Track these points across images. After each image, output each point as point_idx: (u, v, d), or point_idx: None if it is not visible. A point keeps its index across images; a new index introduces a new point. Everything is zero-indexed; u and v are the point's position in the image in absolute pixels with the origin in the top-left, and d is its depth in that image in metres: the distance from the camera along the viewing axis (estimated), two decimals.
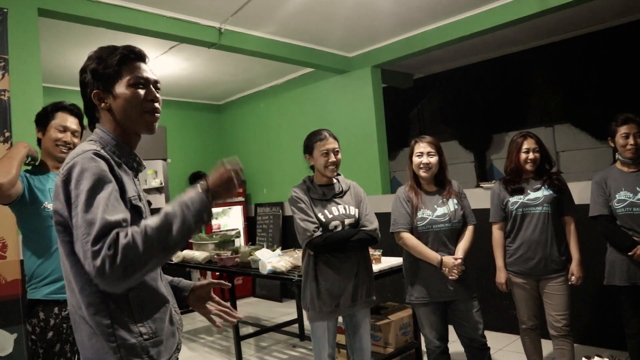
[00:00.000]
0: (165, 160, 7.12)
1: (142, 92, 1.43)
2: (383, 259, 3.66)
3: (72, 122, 2.45)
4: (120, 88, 1.40)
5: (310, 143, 2.83)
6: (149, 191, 8.14)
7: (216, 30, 4.51)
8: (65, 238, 1.30)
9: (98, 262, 1.13)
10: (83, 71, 1.45)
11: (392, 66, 6.28)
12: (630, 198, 2.95)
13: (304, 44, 5.33)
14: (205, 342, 5.02)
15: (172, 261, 5.19)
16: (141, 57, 1.48)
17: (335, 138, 2.82)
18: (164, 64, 5.57)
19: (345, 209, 2.79)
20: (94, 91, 1.41)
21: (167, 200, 7.22)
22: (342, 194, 2.84)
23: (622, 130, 2.98)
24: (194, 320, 6.02)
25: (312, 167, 2.88)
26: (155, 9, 4.10)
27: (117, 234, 1.16)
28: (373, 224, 2.82)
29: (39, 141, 2.47)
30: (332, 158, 2.76)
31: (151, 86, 1.46)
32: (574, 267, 2.98)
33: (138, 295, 1.35)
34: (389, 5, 4.44)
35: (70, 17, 3.76)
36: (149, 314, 1.37)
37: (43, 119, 2.43)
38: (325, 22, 4.75)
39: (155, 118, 1.47)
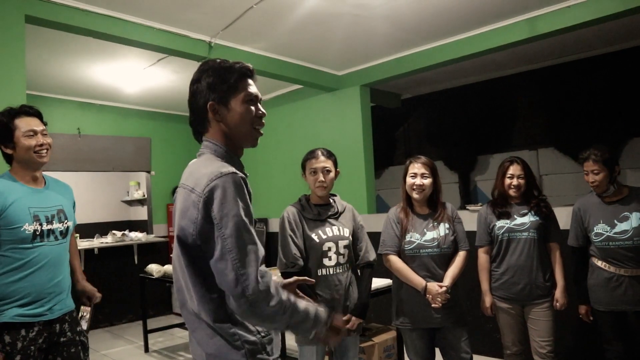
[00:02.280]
0: (148, 172, 7.05)
1: (253, 108, 1.53)
2: None
3: (36, 124, 2.28)
4: (236, 103, 1.50)
5: (303, 162, 2.80)
6: (131, 203, 8.05)
7: (206, 44, 4.49)
8: (186, 252, 1.42)
9: (250, 291, 1.31)
10: (197, 81, 1.51)
11: (381, 86, 6.32)
12: (607, 232, 2.94)
13: (294, 61, 5.33)
14: (185, 359, 4.92)
15: (152, 276, 5.11)
16: (252, 74, 1.56)
17: (329, 157, 2.77)
18: (152, 76, 5.52)
19: (339, 230, 2.74)
20: (210, 102, 1.48)
21: (150, 212, 7.12)
22: (337, 215, 2.79)
23: (584, 167, 3.00)
24: (173, 336, 5.90)
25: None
26: (145, 20, 4.06)
27: (275, 289, 1.35)
28: (372, 255, 2.83)
29: (8, 157, 2.29)
30: (320, 177, 2.70)
31: (259, 103, 1.56)
32: (558, 293, 2.98)
33: None
34: (382, 26, 4.46)
35: (59, 26, 3.70)
36: None
37: (4, 133, 2.24)
38: (316, 40, 4.77)
39: (261, 134, 1.57)
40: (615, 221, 2.93)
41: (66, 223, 2.36)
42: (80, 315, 2.39)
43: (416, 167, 2.88)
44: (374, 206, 5.88)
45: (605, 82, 5.91)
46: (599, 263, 2.99)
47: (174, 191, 7.34)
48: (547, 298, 2.99)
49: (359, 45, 4.97)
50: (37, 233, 2.21)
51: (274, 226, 4.98)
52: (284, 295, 1.38)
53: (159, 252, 6.81)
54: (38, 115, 2.33)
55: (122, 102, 6.65)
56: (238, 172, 1.40)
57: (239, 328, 1.43)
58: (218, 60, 1.54)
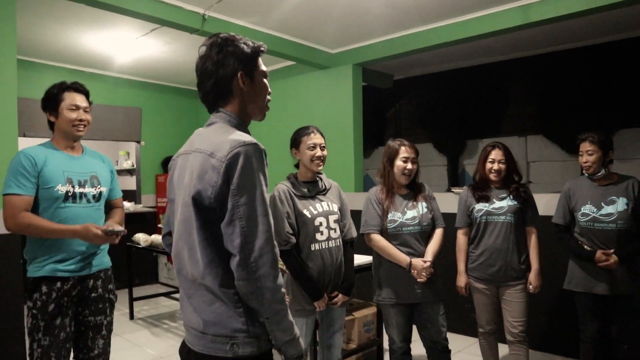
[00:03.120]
0: (138, 142, 7.05)
1: (268, 84, 1.63)
2: None
3: (81, 100, 2.51)
4: (258, 76, 1.59)
5: (297, 137, 2.83)
6: (120, 172, 8.04)
7: (200, 16, 4.46)
8: (200, 214, 1.43)
9: (251, 259, 1.36)
10: (219, 52, 1.53)
11: (373, 65, 6.32)
12: (593, 213, 3.04)
13: (288, 37, 5.32)
14: (169, 328, 5.00)
15: (139, 245, 5.16)
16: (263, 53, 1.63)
17: (322, 135, 2.83)
18: (144, 45, 5.49)
19: (328, 205, 2.80)
20: (240, 72, 1.53)
21: (138, 183, 7.14)
22: (325, 191, 2.85)
23: (580, 149, 3.11)
24: (158, 305, 5.99)
25: (297, 165, 2.87)
26: None
27: (277, 274, 1.40)
28: (354, 232, 2.93)
29: (51, 124, 2.53)
30: (319, 152, 2.76)
31: None
32: (532, 276, 3.07)
33: None
34: (378, 6, 4.46)
35: None
36: None
37: (52, 102, 2.47)
38: (311, 17, 4.75)
39: (269, 109, 1.66)
40: (603, 204, 3.03)
41: (99, 188, 2.55)
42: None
43: (407, 151, 2.94)
44: (362, 185, 5.95)
45: (596, 72, 5.96)
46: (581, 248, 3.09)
47: (163, 162, 7.37)
48: (522, 280, 3.09)
49: (353, 24, 4.97)
50: (69, 194, 2.42)
51: None
52: (284, 289, 1.43)
53: (146, 222, 6.84)
54: (85, 93, 2.56)
55: (114, 71, 6.61)
56: (258, 143, 1.44)
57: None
58: (232, 34, 1.57)
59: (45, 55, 5.86)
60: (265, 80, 1.62)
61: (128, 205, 6.62)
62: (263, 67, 1.61)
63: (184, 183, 1.52)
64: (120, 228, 2.47)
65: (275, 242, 1.43)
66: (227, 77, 1.53)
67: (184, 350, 1.56)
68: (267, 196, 1.48)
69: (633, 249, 2.99)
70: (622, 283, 2.98)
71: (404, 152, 2.94)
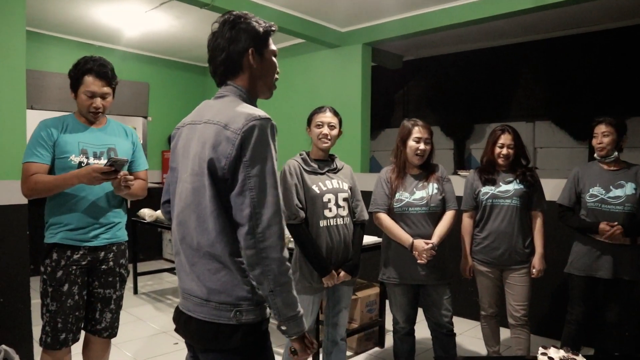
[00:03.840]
0: (145, 117, 7.04)
1: (276, 62, 1.67)
2: None
3: (99, 86, 2.47)
4: (268, 54, 1.63)
5: (310, 115, 2.83)
6: None
7: None
8: (214, 184, 1.45)
9: (259, 230, 1.40)
10: (232, 28, 1.56)
11: (383, 45, 6.25)
12: (601, 195, 3.06)
13: (297, 13, 5.26)
14: (172, 303, 5.05)
15: (145, 220, 5.19)
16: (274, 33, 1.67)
17: (336, 114, 2.81)
18: (153, 20, 5.44)
19: (338, 183, 2.79)
20: (251, 48, 1.57)
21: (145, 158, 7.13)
22: (336, 170, 2.85)
23: (595, 131, 3.11)
24: (162, 280, 6.04)
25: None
26: None
27: (284, 246, 1.43)
28: (366, 215, 2.91)
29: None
30: (325, 130, 2.74)
31: None
32: (536, 260, 3.08)
33: None
34: None
35: None
36: None
37: (73, 83, 2.49)
38: None
39: (276, 87, 1.70)
40: (611, 187, 3.05)
41: None
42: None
43: (421, 132, 2.90)
44: (368, 166, 5.93)
45: (607, 59, 5.88)
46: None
47: (169, 138, 7.34)
48: (525, 264, 3.09)
49: (365, 2, 4.90)
50: (83, 165, 2.42)
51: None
52: (289, 264, 1.45)
53: (152, 197, 6.84)
54: (106, 77, 2.48)
55: (122, 45, 6.57)
56: (272, 119, 1.48)
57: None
58: (245, 13, 1.61)
59: (53, 27, 5.82)
60: (274, 58, 1.65)
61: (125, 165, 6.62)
62: (273, 47, 1.65)
63: (191, 152, 1.53)
64: (123, 158, 2.44)
65: (283, 215, 1.46)
66: (238, 52, 1.56)
67: (182, 318, 1.58)
68: (278, 171, 1.49)
69: (637, 223, 2.99)
70: (627, 268, 2.99)
71: (417, 132, 2.91)
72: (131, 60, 6.86)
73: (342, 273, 2.76)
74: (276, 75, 1.67)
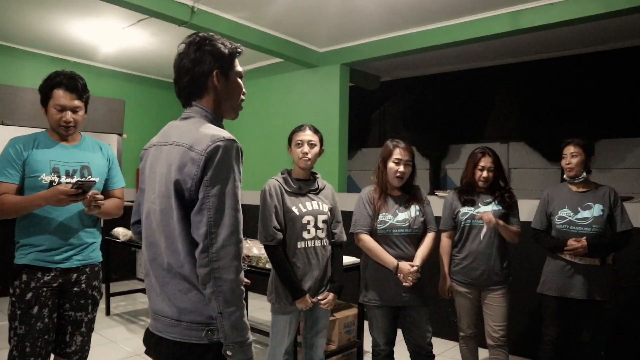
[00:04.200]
0: (120, 135, 6.92)
1: (242, 84, 1.68)
2: None
3: (69, 99, 2.40)
4: (233, 75, 1.63)
5: (291, 134, 2.82)
6: None
7: (189, 8, 4.40)
8: (181, 205, 1.46)
9: (214, 250, 1.39)
10: (197, 49, 1.57)
11: (361, 66, 6.32)
12: (570, 216, 3.10)
13: (276, 33, 5.28)
14: (146, 324, 4.92)
15: (118, 239, 5.08)
16: (240, 55, 1.68)
17: (316, 133, 2.81)
18: (130, 37, 5.40)
19: (319, 205, 2.78)
20: (216, 70, 1.57)
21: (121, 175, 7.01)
22: (317, 190, 2.83)
23: (564, 152, 3.18)
24: (135, 301, 5.90)
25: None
26: None
27: (238, 268, 1.42)
28: (344, 237, 2.90)
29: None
30: (305, 149, 2.73)
31: None
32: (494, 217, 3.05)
33: None
34: (368, 6, 4.45)
35: None
36: None
37: (44, 98, 2.42)
38: (300, 15, 4.73)
39: (242, 108, 1.71)
40: (579, 208, 3.09)
41: (89, 179, 2.44)
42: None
43: (402, 154, 2.90)
44: (345, 186, 5.94)
45: (579, 82, 6.05)
46: (557, 252, 3.13)
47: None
48: (503, 285, 3.11)
49: (343, 23, 4.95)
50: (54, 184, 2.34)
51: (247, 198, 4.97)
52: (242, 289, 1.44)
53: (126, 216, 6.71)
54: (76, 90, 2.41)
55: (98, 61, 6.50)
56: (237, 140, 1.49)
57: None
58: (211, 34, 1.61)
59: (26, 42, 5.73)
60: (240, 80, 1.66)
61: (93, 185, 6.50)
62: (239, 68, 1.66)
63: (157, 174, 1.55)
64: (91, 180, 2.36)
65: (241, 237, 1.45)
66: (203, 74, 1.57)
67: (152, 339, 1.58)
68: (241, 192, 1.49)
69: (603, 242, 3.04)
70: (597, 288, 3.03)
71: (397, 153, 2.91)
72: (107, 76, 6.78)
73: (331, 295, 2.75)
74: (242, 97, 1.68)
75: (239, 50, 1.65)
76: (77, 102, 2.42)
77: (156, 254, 1.54)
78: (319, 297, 2.73)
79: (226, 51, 1.59)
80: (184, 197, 1.46)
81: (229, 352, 1.42)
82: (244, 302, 1.45)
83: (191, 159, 1.44)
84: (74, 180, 2.32)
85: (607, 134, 6.04)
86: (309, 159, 2.76)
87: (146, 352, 1.63)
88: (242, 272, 1.45)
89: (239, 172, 1.48)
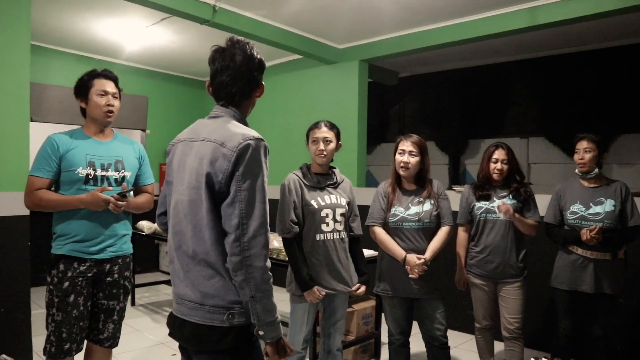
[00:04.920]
0: (144, 130, 7.08)
1: None
2: None
3: (110, 86, 2.58)
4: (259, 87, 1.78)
5: (308, 131, 2.91)
6: None
7: (210, 7, 4.50)
8: (210, 196, 1.57)
9: (245, 239, 1.51)
10: (251, 60, 1.69)
11: (379, 62, 6.36)
12: (582, 212, 3.13)
13: (296, 30, 5.36)
14: None
15: (143, 232, 5.22)
16: None
17: (332, 128, 2.87)
18: (153, 35, 5.53)
19: (337, 198, 2.86)
20: (262, 84, 1.76)
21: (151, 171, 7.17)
22: (335, 184, 2.91)
23: (577, 147, 3.20)
24: (159, 292, 6.06)
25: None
26: None
27: (267, 257, 1.54)
28: (361, 230, 3.00)
29: (83, 110, 2.62)
30: (321, 146, 2.81)
31: None
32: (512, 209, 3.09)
33: None
34: (388, 3, 4.49)
35: None
36: None
37: (83, 89, 2.56)
38: (320, 12, 4.79)
39: None
40: (591, 204, 3.12)
41: (122, 172, 2.63)
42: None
43: (405, 145, 2.96)
44: (364, 181, 6.00)
45: (599, 77, 6.00)
46: (568, 245, 3.16)
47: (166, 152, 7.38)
48: (519, 278, 3.15)
49: (362, 20, 5.00)
50: (90, 177, 2.50)
51: (268, 193, 5.05)
52: (270, 273, 1.56)
53: (150, 210, 6.89)
54: (114, 79, 2.63)
55: (122, 59, 6.64)
56: (264, 140, 1.61)
57: None
58: (254, 49, 1.73)
59: (54, 41, 5.90)
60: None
61: (132, 193, 6.66)
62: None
63: (187, 167, 1.65)
64: (127, 190, 2.55)
65: (268, 228, 1.57)
66: (253, 85, 1.73)
67: (176, 322, 1.69)
68: (267, 187, 1.61)
69: (614, 236, 3.06)
70: (608, 282, 3.05)
71: (402, 145, 2.98)
72: (130, 73, 6.93)
73: (363, 287, 2.91)
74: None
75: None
76: (116, 90, 2.61)
77: (182, 241, 1.64)
78: (353, 289, 2.87)
79: (264, 64, 1.74)
80: (214, 189, 1.56)
81: (261, 332, 1.56)
82: (271, 285, 1.56)
83: (223, 154, 1.55)
84: (120, 190, 2.51)
85: (628, 129, 5.99)
86: (325, 156, 2.84)
87: (170, 334, 1.75)
88: (268, 262, 1.56)
89: (266, 168, 1.60)
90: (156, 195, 7.06)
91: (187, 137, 1.73)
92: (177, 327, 1.68)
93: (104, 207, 2.43)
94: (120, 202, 2.47)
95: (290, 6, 4.64)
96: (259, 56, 1.72)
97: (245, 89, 1.70)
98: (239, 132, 1.59)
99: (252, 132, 1.60)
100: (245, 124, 1.72)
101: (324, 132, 2.85)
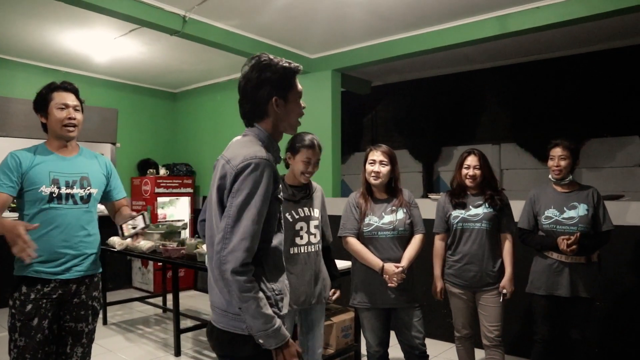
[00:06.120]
0: (114, 144, 6.93)
1: (302, 103, 1.80)
2: None
3: (70, 99, 2.47)
4: (292, 96, 1.74)
5: (296, 145, 2.79)
6: None
7: (180, 18, 4.44)
8: (221, 210, 1.63)
9: (224, 254, 1.54)
10: (259, 76, 1.68)
11: (352, 71, 6.37)
12: (556, 216, 3.16)
13: (267, 41, 5.33)
14: (143, 334, 4.93)
15: (114, 249, 5.08)
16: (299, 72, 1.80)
17: (320, 149, 2.85)
18: (122, 46, 5.42)
19: (310, 211, 2.83)
20: (275, 97, 1.69)
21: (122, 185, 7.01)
22: (309, 196, 2.88)
23: (552, 153, 3.22)
24: (132, 310, 5.90)
25: (287, 165, 2.86)
26: None
27: (253, 282, 1.56)
28: (330, 238, 3.00)
29: (44, 125, 2.50)
30: (310, 169, 2.80)
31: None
32: (505, 281, 3.13)
33: (271, 263, 1.70)
34: (359, 13, 4.50)
35: None
36: (276, 278, 1.71)
37: (42, 103, 2.45)
38: (291, 22, 4.77)
39: (300, 124, 1.83)
40: (565, 208, 3.15)
41: (88, 190, 2.51)
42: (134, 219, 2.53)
43: (375, 155, 2.98)
44: (339, 190, 5.98)
45: (568, 83, 6.11)
46: (544, 250, 3.18)
47: (139, 164, 7.28)
48: (496, 285, 3.14)
49: (334, 30, 5.00)
50: (54, 195, 2.38)
51: None
52: (250, 286, 1.55)
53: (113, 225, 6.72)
54: (74, 91, 2.51)
55: (90, 71, 6.51)
56: (271, 159, 1.64)
57: (257, 282, 1.60)
58: (273, 57, 1.71)
59: (18, 53, 5.74)
60: (299, 100, 1.78)
61: (102, 208, 6.50)
62: (299, 87, 1.77)
63: (214, 183, 1.73)
64: (136, 229, 2.53)
65: (253, 246, 1.57)
66: (263, 101, 1.70)
67: (209, 328, 1.77)
68: (265, 206, 1.61)
69: (590, 241, 3.09)
70: (583, 285, 3.07)
71: (372, 155, 3.00)
72: (99, 86, 6.80)
73: (338, 292, 2.95)
74: (301, 114, 1.80)
75: (299, 69, 1.76)
76: (76, 102, 2.49)
77: (211, 252, 1.68)
78: (329, 294, 2.89)
79: (285, 74, 1.70)
80: (223, 203, 1.64)
81: (260, 341, 1.58)
82: (257, 295, 1.56)
83: (228, 171, 1.63)
84: (127, 233, 2.50)
85: (596, 133, 6.12)
86: (310, 177, 2.86)
87: (208, 341, 1.81)
88: (250, 273, 1.56)
89: (266, 187, 1.59)
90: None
91: (222, 153, 1.77)
92: (209, 333, 1.76)
93: (18, 242, 2.11)
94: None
95: (262, 17, 4.60)
96: (268, 67, 1.68)
97: (254, 108, 1.72)
98: (245, 151, 1.63)
99: (259, 153, 1.62)
100: (271, 141, 1.73)
101: (317, 154, 2.83)
